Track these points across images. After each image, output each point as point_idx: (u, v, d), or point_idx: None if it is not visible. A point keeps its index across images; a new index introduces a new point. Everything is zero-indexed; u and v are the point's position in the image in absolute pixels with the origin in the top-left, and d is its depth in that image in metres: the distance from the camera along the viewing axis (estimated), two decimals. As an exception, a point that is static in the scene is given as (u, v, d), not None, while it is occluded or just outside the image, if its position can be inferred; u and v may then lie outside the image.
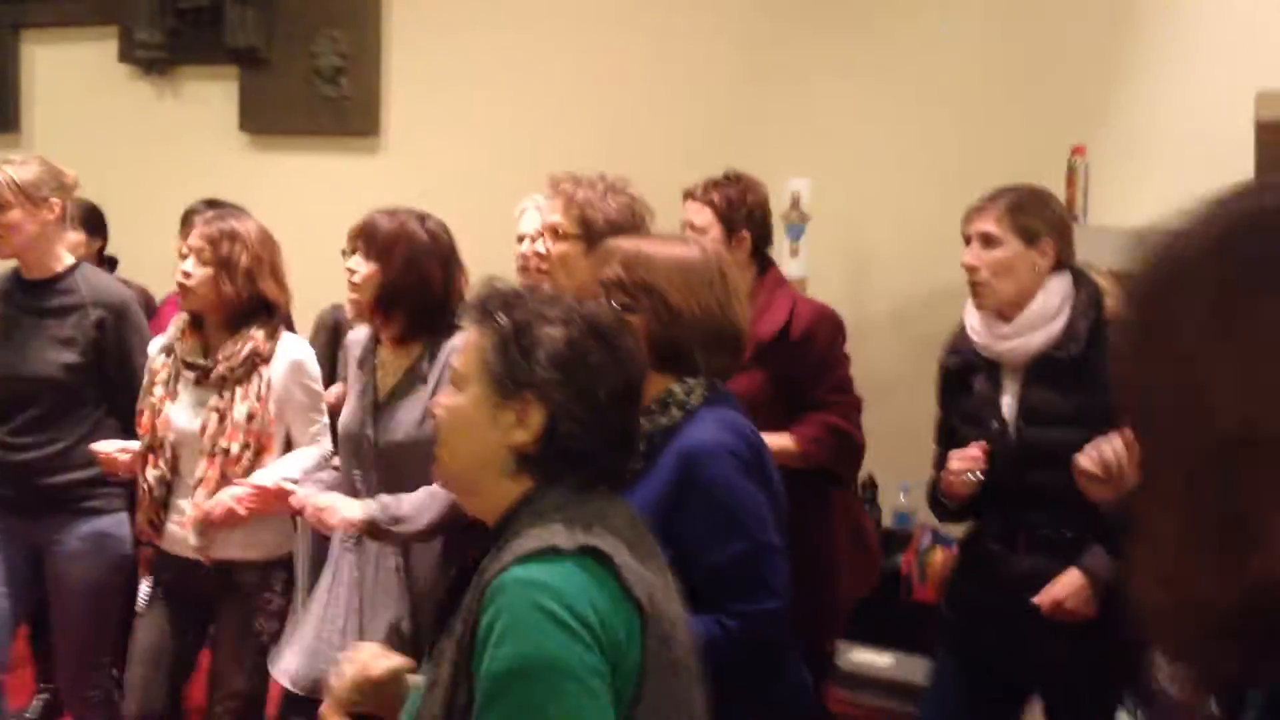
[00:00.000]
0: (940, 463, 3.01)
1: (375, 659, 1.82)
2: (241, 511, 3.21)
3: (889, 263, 4.52)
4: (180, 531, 3.33)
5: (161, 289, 4.49)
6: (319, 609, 3.10)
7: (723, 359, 2.30)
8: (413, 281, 3.01)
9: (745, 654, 2.13)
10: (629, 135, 4.77)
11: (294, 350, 3.39)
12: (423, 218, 3.09)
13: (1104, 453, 2.39)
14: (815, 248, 4.24)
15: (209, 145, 5.57)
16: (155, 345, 3.48)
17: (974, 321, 2.96)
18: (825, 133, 4.64)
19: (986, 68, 4.46)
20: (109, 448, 3.42)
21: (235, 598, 3.36)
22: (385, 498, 2.92)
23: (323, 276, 3.77)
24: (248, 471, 3.26)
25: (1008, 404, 2.90)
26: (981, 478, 2.85)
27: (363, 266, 3.03)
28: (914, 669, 3.71)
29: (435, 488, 2.87)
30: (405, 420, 3.00)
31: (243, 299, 3.29)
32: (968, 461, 2.86)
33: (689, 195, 3.39)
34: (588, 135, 4.89)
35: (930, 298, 4.42)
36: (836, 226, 4.34)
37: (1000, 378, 2.93)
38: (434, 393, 2.92)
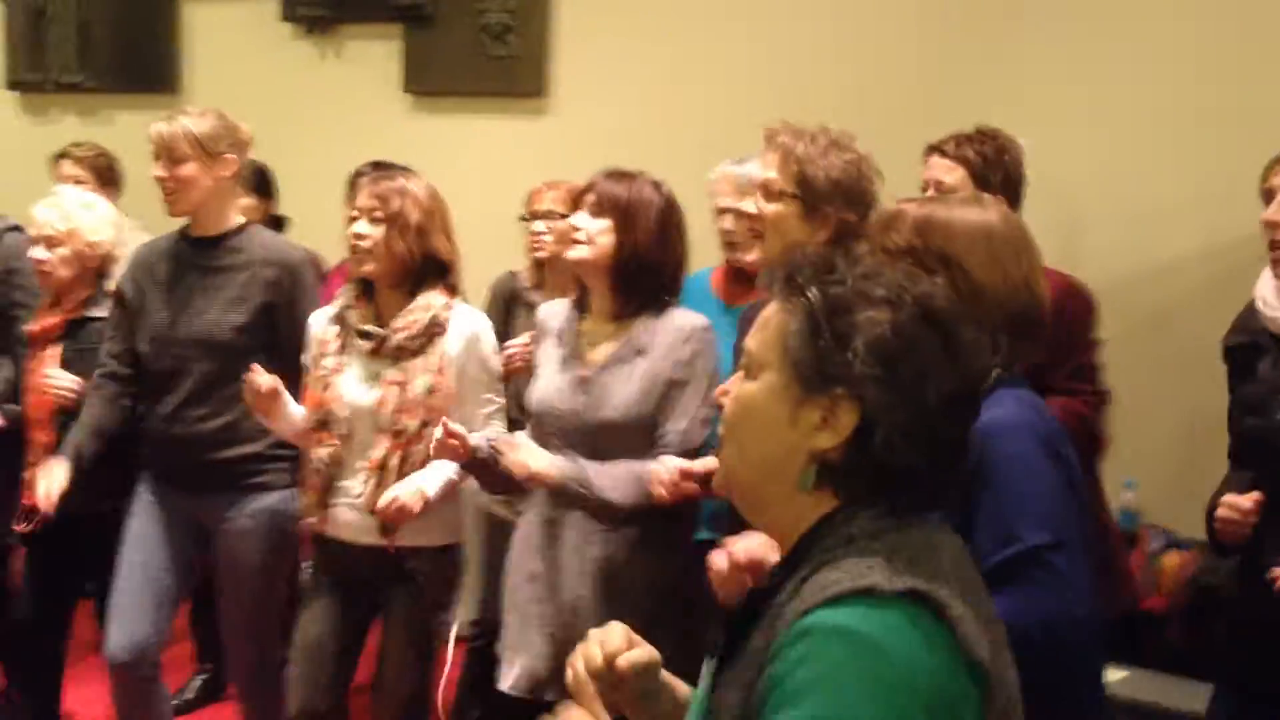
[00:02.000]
0: (1232, 460, 2.65)
1: (626, 646, 1.54)
2: (415, 509, 3.07)
3: (1111, 233, 4.14)
4: (348, 515, 3.19)
5: (326, 256, 4.38)
6: (521, 609, 2.97)
7: (1026, 345, 1.98)
8: (657, 251, 2.92)
9: (1050, 666, 1.79)
10: (823, 94, 4.45)
11: (472, 321, 3.25)
12: (656, 184, 2.97)
13: None
14: (1030, 214, 3.83)
15: (372, 107, 5.47)
16: (321, 315, 3.34)
17: (1267, 293, 2.62)
18: (1045, 85, 4.26)
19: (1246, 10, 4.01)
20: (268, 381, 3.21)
21: (407, 588, 3.22)
22: (583, 461, 2.80)
23: (489, 244, 3.65)
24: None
25: None
26: (1248, 531, 2.52)
27: (593, 224, 2.91)
28: (1143, 686, 3.34)
29: (640, 466, 2.75)
30: (620, 396, 2.88)
31: (415, 258, 3.17)
32: (1236, 513, 2.52)
33: (936, 150, 3.16)
34: (774, 95, 4.63)
35: (1156, 273, 4.08)
36: (1055, 191, 3.93)
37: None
38: (649, 370, 2.85)
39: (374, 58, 5.48)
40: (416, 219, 3.15)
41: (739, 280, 3.68)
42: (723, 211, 3.64)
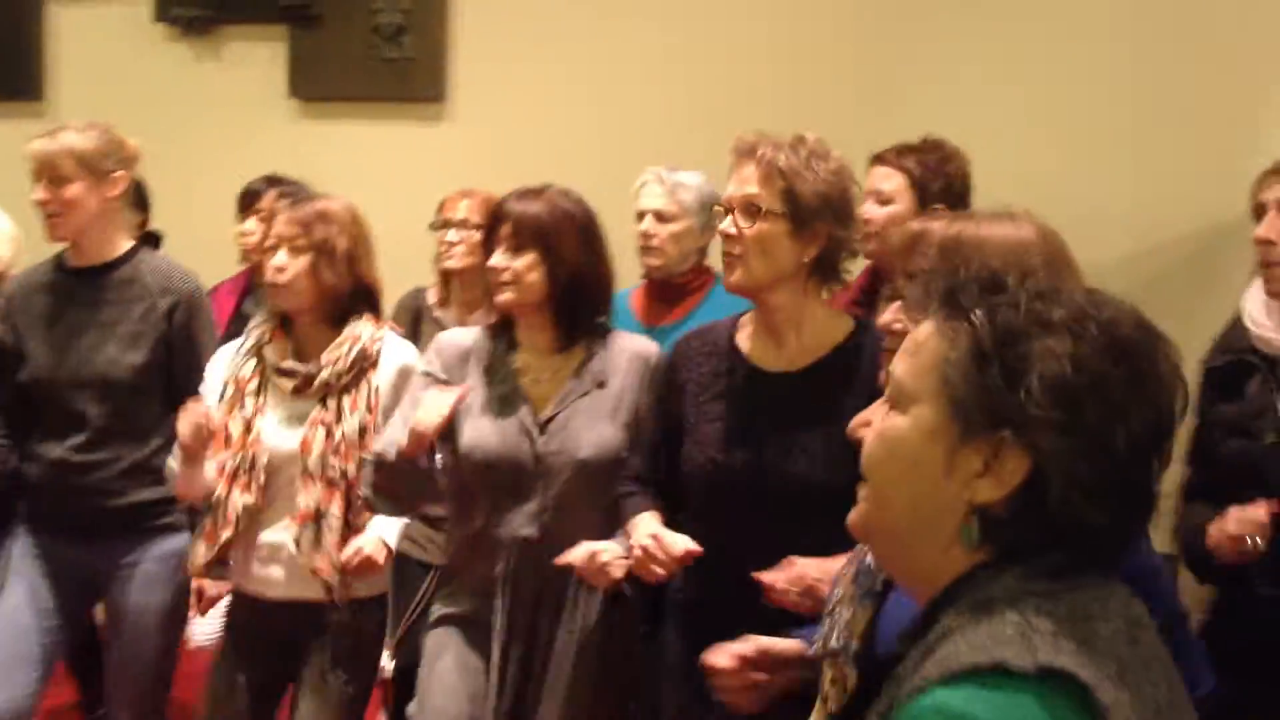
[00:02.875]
0: (1193, 488, 2.56)
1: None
2: (379, 560, 2.88)
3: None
4: (269, 570, 2.96)
5: (202, 273, 4.01)
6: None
7: None
8: (589, 270, 2.72)
9: None
10: (734, 100, 4.31)
11: (401, 353, 3.02)
12: (567, 194, 2.75)
13: None
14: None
15: (255, 114, 5.17)
16: (228, 350, 3.08)
17: (1255, 310, 2.53)
18: (965, 93, 4.19)
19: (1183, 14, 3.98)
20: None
21: (331, 644, 2.97)
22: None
23: (387, 260, 3.36)
24: None
25: None
26: (1263, 546, 2.38)
27: (515, 260, 2.68)
28: None
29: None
30: (594, 433, 2.68)
31: (343, 289, 2.96)
32: (1249, 526, 2.40)
33: (879, 159, 3.11)
34: (683, 100, 4.52)
35: (1092, 278, 3.82)
36: (991, 195, 3.73)
37: (1270, 382, 2.50)
38: (620, 401, 2.68)
39: (257, 61, 5.21)
40: (344, 246, 2.96)
41: (659, 298, 3.55)
42: (643, 214, 3.55)
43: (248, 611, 3.03)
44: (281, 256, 2.93)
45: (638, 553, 2.37)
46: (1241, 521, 2.41)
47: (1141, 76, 4.03)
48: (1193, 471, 2.63)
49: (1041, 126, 4.12)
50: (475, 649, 2.71)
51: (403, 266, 3.94)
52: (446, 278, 3.81)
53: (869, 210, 3.12)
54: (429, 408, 2.60)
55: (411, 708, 2.83)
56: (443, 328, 3.52)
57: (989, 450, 1.19)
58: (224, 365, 3.04)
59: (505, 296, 2.70)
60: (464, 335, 2.87)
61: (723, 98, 4.36)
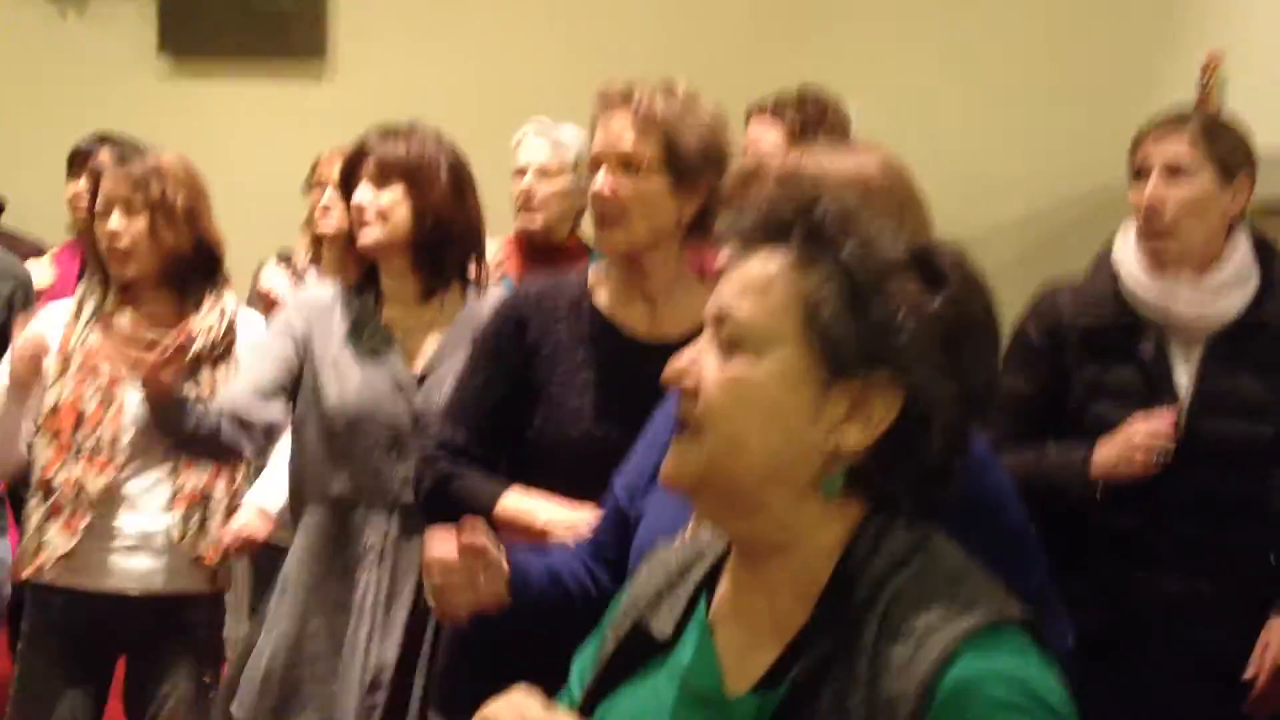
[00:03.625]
0: (1000, 431, 2.36)
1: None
2: (259, 535, 2.82)
3: (939, 205, 3.93)
4: (122, 561, 2.76)
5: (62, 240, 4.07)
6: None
7: None
8: (458, 212, 2.58)
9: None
10: (634, 54, 4.09)
11: (256, 326, 2.90)
12: (438, 135, 2.61)
13: None
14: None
15: (122, 73, 4.96)
16: (58, 316, 2.84)
17: (1138, 272, 2.43)
18: (872, 49, 4.21)
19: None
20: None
21: (186, 644, 2.80)
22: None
23: (265, 223, 3.23)
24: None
25: (1181, 383, 2.41)
26: (1169, 457, 2.34)
27: (381, 196, 2.54)
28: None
29: None
30: None
31: (186, 250, 2.77)
32: (1156, 436, 2.34)
33: (758, 111, 3.03)
34: (579, 54, 4.40)
35: (979, 245, 3.87)
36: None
37: (1168, 349, 2.42)
38: None
39: (123, 17, 5.00)
40: (184, 203, 2.77)
41: (533, 255, 3.43)
42: (523, 170, 3.45)
43: (86, 610, 2.78)
44: (116, 219, 2.73)
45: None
46: (1150, 433, 2.34)
47: (1046, 40, 4.09)
48: (1011, 430, 2.44)
49: (948, 84, 4.13)
50: (343, 617, 2.54)
51: (283, 230, 3.83)
52: (318, 241, 3.65)
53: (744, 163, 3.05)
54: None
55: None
56: None
57: (858, 392, 1.14)
58: (54, 327, 2.81)
59: (371, 235, 2.55)
60: (324, 290, 2.73)
61: (616, 50, 4.25)
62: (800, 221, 1.18)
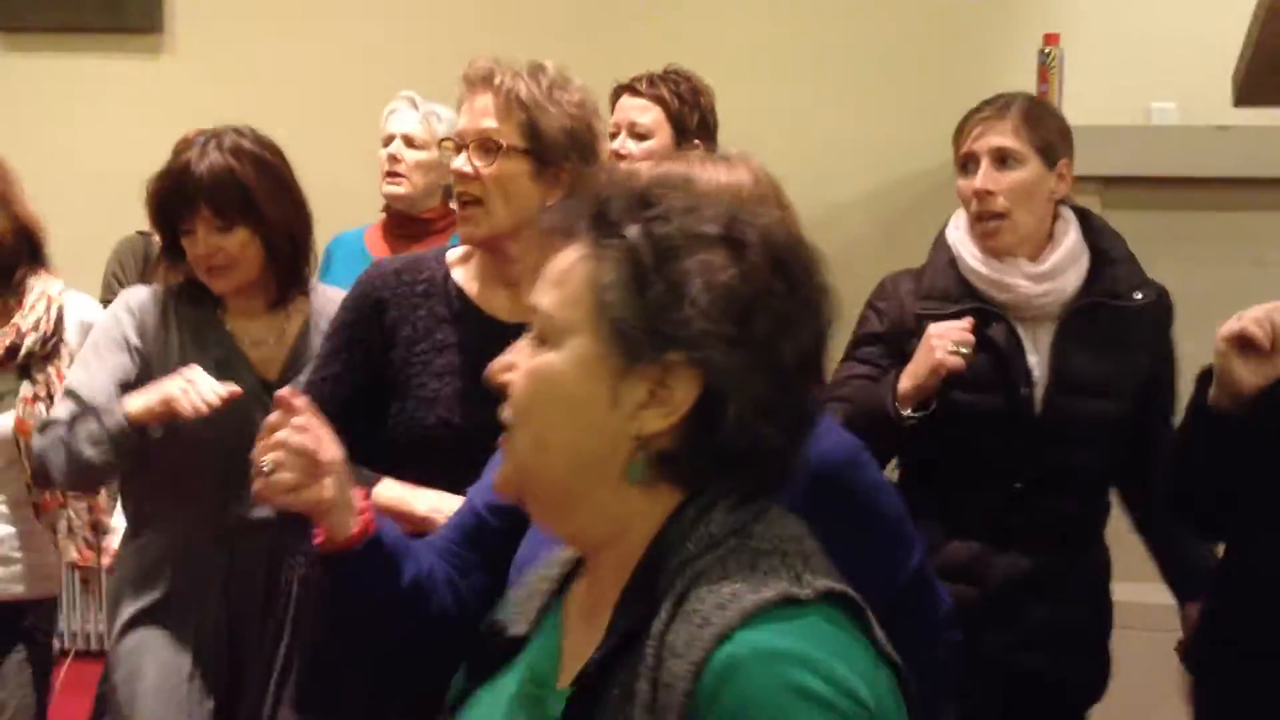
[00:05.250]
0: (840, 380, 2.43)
1: None
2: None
3: (792, 177, 3.96)
4: None
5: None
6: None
7: None
8: (292, 224, 2.46)
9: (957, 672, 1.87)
10: (485, 29, 4.17)
11: (82, 308, 2.76)
12: (247, 136, 2.44)
13: (1271, 312, 1.98)
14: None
15: None
16: None
17: (975, 260, 2.45)
18: (723, 29, 4.18)
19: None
20: None
21: (23, 648, 2.71)
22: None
23: (100, 205, 3.12)
24: None
25: (1033, 365, 2.43)
26: (971, 353, 2.33)
27: (228, 241, 2.40)
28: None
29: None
30: None
31: (9, 237, 2.65)
32: (955, 336, 2.32)
33: (628, 89, 2.97)
34: (428, 31, 4.35)
35: (829, 217, 4.00)
36: (735, 136, 3.72)
37: (1015, 333, 2.44)
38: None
39: None
40: None
41: (400, 234, 3.36)
42: (390, 139, 3.37)
43: None
44: None
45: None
46: (945, 334, 2.34)
47: (892, 17, 4.11)
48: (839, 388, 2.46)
49: (789, 60, 4.14)
50: (184, 648, 2.43)
51: (118, 213, 3.69)
52: None
53: (625, 145, 2.99)
54: (202, 385, 2.29)
55: None
56: None
57: (656, 376, 1.12)
58: None
59: (225, 283, 2.43)
60: (151, 295, 2.53)
61: (465, 24, 4.22)
62: (592, 211, 1.17)
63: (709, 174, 1.66)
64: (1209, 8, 3.37)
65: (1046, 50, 3.45)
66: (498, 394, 1.21)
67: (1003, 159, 2.41)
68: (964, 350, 2.32)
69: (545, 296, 1.18)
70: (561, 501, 1.18)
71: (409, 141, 3.36)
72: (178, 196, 2.40)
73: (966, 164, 2.45)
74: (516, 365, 1.19)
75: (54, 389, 2.61)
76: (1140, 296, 2.43)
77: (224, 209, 2.37)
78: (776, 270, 1.14)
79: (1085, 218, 2.53)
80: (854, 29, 4.12)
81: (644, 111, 2.99)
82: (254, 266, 2.42)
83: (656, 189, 1.18)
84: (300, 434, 1.39)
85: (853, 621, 1.10)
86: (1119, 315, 2.42)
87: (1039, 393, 2.41)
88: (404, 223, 3.38)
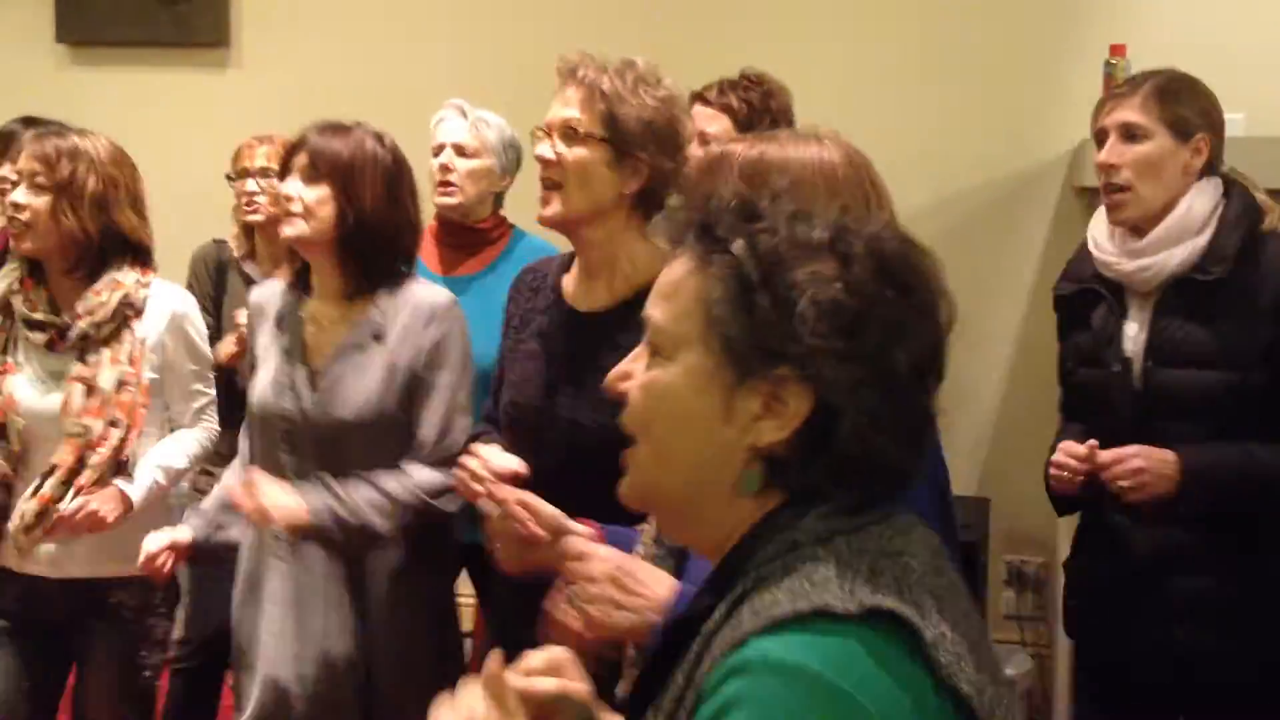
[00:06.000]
0: (1066, 409, 2.66)
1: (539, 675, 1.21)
2: (109, 517, 2.65)
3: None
4: (26, 541, 2.70)
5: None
6: (258, 637, 2.56)
7: None
8: (388, 217, 2.53)
9: None
10: (544, 40, 4.00)
11: (174, 300, 2.83)
12: (379, 135, 2.57)
13: None
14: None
15: (19, 60, 4.82)
16: None
17: (1099, 236, 2.55)
18: (789, 37, 4.15)
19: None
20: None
21: (110, 625, 2.76)
22: (335, 490, 2.46)
23: (169, 216, 3.16)
24: (115, 457, 2.69)
25: (1134, 338, 2.50)
26: (1079, 478, 2.46)
27: (309, 192, 2.50)
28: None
29: (397, 481, 2.45)
30: (355, 391, 2.51)
31: (92, 236, 2.73)
32: (1070, 463, 2.47)
33: (699, 97, 2.98)
34: (488, 41, 4.37)
35: (906, 223, 3.93)
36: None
37: (1125, 306, 2.52)
38: (388, 359, 2.51)
39: (19, 3, 4.85)
40: (93, 188, 2.71)
41: (454, 244, 3.34)
42: (440, 148, 3.34)
43: (10, 591, 2.77)
44: (20, 194, 2.69)
45: (458, 472, 2.21)
46: (1066, 457, 2.48)
47: (956, 23, 4.11)
48: (1062, 397, 2.72)
49: (857, 71, 4.15)
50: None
51: (189, 224, 3.75)
52: (249, 230, 3.56)
53: (693, 152, 3.01)
54: (273, 495, 2.44)
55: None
56: (252, 281, 3.32)
57: (768, 389, 1.12)
58: None
59: (292, 229, 2.51)
60: (269, 287, 2.69)
61: (530, 38, 4.20)
62: (697, 221, 1.17)
63: (800, 152, 1.67)
64: (1276, 20, 3.33)
65: (1112, 61, 3.42)
66: (617, 401, 1.24)
67: (1129, 133, 2.47)
68: (1077, 479, 2.46)
69: (657, 309, 1.19)
70: (683, 511, 1.20)
71: (460, 150, 3.33)
72: (294, 143, 2.56)
73: (1100, 139, 2.52)
74: (633, 374, 1.20)
75: (102, 372, 2.67)
76: (1217, 270, 2.42)
77: (319, 159, 2.49)
78: (885, 278, 1.13)
79: (1230, 189, 2.51)
80: (922, 40, 4.11)
81: (712, 120, 3.00)
82: (324, 229, 2.50)
83: (762, 198, 1.18)
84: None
85: (901, 645, 1.05)
86: (1208, 288, 2.43)
87: (1137, 366, 2.46)
88: (457, 232, 3.37)
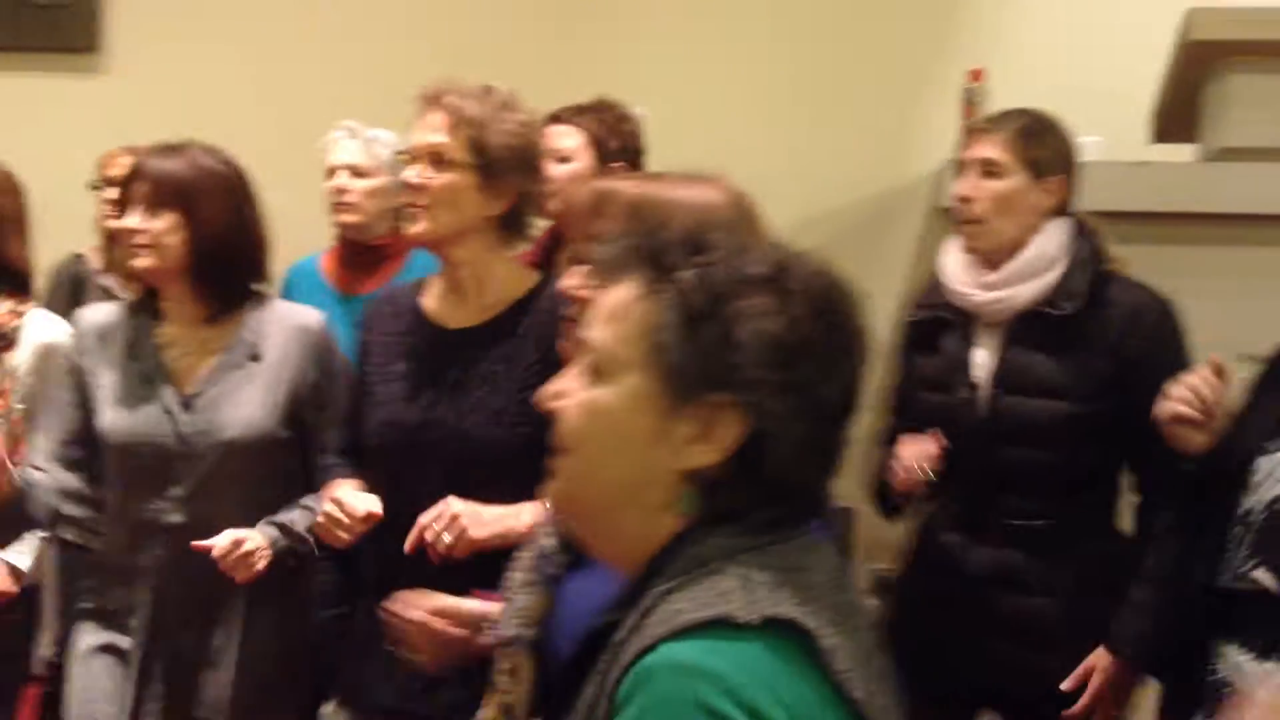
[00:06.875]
0: (887, 441, 2.65)
1: None
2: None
3: None
4: None
5: None
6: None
7: None
8: (238, 234, 2.50)
9: None
10: (421, 55, 4.12)
11: (45, 330, 2.77)
12: (212, 151, 2.52)
13: (1196, 387, 2.09)
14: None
15: None
16: None
17: (952, 266, 2.62)
18: (660, 58, 4.22)
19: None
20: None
21: None
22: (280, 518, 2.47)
23: (36, 226, 3.09)
24: None
25: (982, 366, 2.58)
26: (933, 477, 2.51)
27: (154, 222, 2.44)
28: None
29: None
30: (236, 413, 2.47)
31: None
32: (919, 458, 2.52)
33: (555, 118, 3.04)
34: (367, 55, 4.33)
35: (800, 232, 4.01)
36: (671, 164, 3.76)
37: (974, 335, 2.60)
38: (270, 378, 2.48)
39: None
40: None
41: (355, 263, 3.35)
42: (334, 170, 3.36)
43: None
44: None
45: (319, 518, 2.27)
46: (914, 453, 2.52)
47: (819, 46, 4.18)
48: (894, 421, 2.73)
49: (719, 92, 4.18)
50: (118, 649, 2.49)
51: (52, 233, 3.66)
52: (110, 240, 3.53)
53: (549, 169, 3.06)
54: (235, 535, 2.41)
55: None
56: (109, 296, 3.28)
57: (704, 415, 1.16)
58: None
59: (142, 262, 2.46)
60: (105, 312, 2.62)
61: (421, 51, 4.18)
62: (645, 250, 1.22)
63: (685, 193, 1.71)
64: (1132, 46, 3.46)
65: (971, 85, 3.52)
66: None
67: (989, 169, 2.56)
68: (928, 472, 2.50)
69: (598, 331, 1.22)
70: (606, 527, 1.24)
71: (354, 171, 3.35)
72: (130, 173, 2.50)
73: (960, 170, 2.61)
74: (567, 392, 1.23)
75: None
76: (1069, 307, 2.51)
77: (160, 188, 2.43)
78: (820, 313, 1.19)
79: (1081, 230, 2.60)
80: (785, 62, 4.17)
81: (566, 137, 3.05)
82: (175, 257, 2.45)
83: (708, 231, 1.23)
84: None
85: (799, 652, 1.11)
86: (1057, 323, 2.51)
87: (984, 394, 2.54)
88: (357, 251, 3.38)
